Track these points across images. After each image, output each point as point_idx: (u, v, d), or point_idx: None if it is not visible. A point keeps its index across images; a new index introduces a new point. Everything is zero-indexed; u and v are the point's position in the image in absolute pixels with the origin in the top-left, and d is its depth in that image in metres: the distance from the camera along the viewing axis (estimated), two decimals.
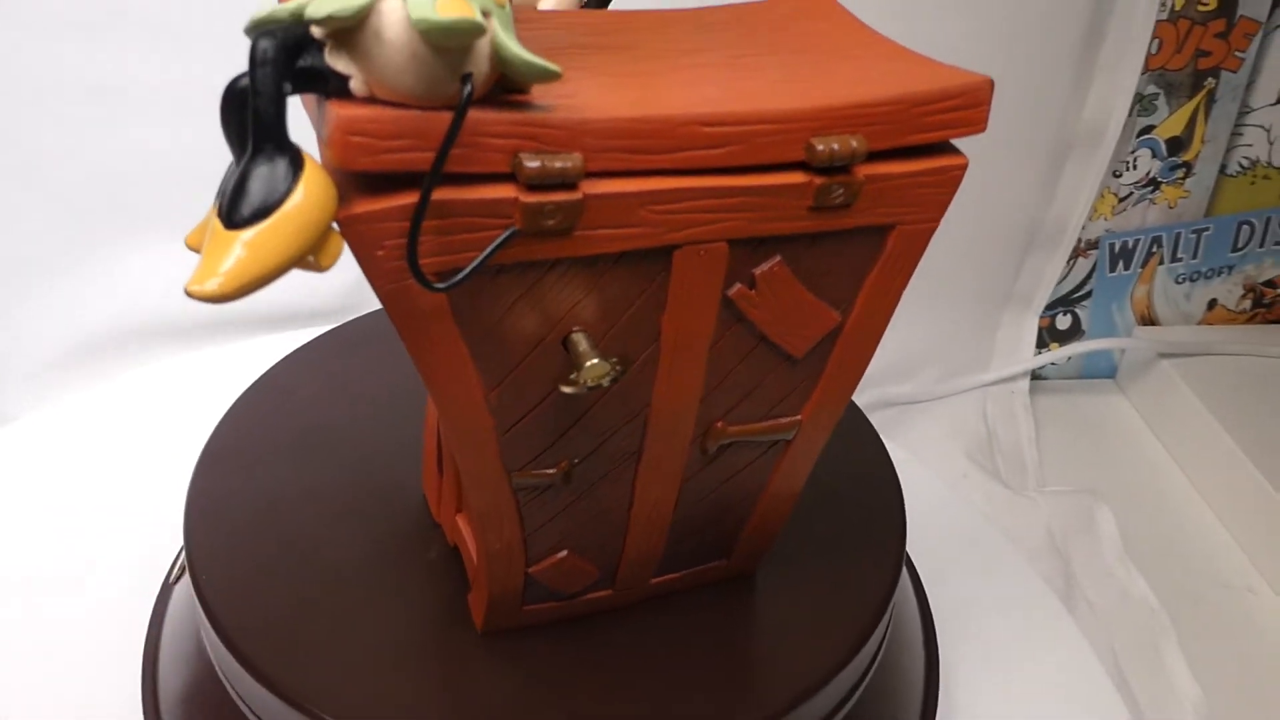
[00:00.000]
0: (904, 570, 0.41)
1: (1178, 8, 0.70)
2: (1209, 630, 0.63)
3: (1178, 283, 0.81)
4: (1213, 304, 0.83)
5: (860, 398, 0.74)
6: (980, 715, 0.45)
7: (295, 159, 0.21)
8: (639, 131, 0.24)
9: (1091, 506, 0.67)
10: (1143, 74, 0.71)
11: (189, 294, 0.20)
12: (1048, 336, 0.82)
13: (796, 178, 0.26)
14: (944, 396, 0.78)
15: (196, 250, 0.22)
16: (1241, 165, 0.77)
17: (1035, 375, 0.82)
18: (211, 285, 0.20)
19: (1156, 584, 0.64)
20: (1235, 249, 0.80)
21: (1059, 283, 0.79)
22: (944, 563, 0.52)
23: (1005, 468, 0.73)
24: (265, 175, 0.20)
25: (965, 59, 0.74)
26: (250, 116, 0.20)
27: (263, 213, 0.20)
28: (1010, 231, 0.77)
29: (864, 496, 0.43)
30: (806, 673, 0.35)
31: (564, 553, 0.33)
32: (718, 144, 0.25)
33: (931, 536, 0.53)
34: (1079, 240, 0.77)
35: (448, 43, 0.20)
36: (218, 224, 0.20)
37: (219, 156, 0.22)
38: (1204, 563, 0.69)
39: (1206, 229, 0.79)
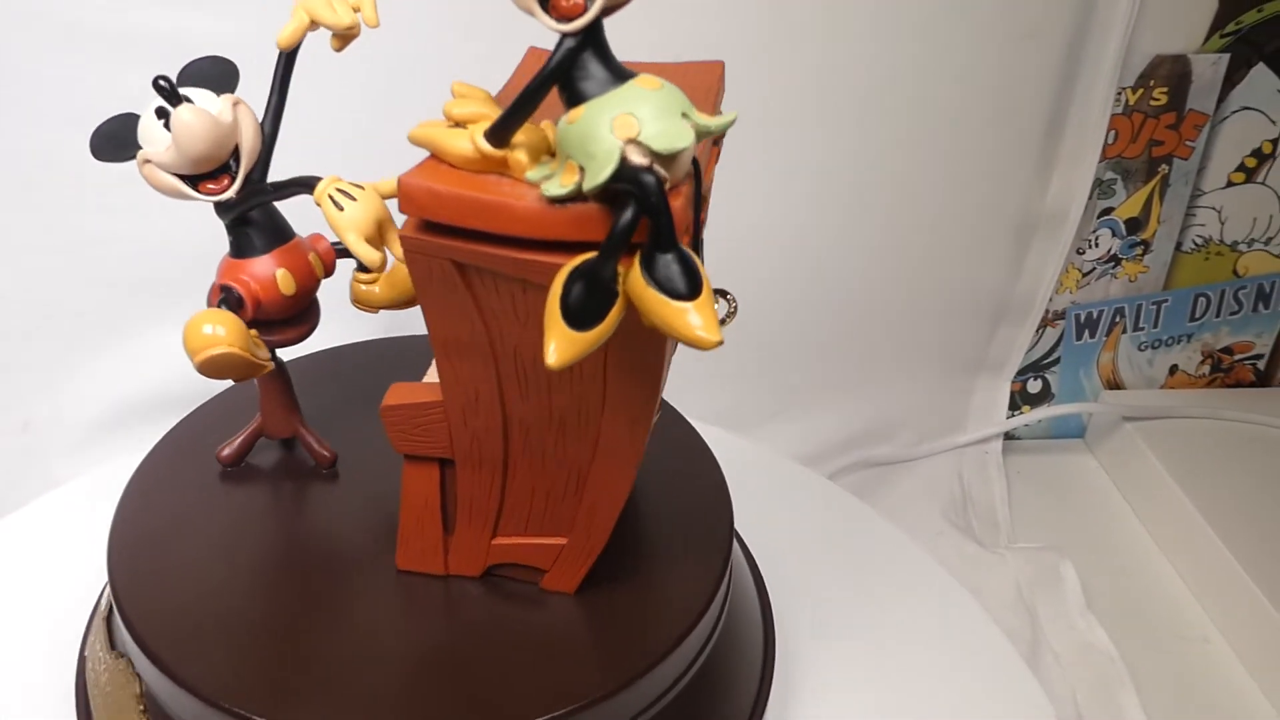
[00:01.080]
0: (733, 578, 0.44)
1: (1131, 102, 0.76)
2: (1167, 679, 0.68)
3: (1140, 350, 0.87)
4: (1174, 369, 0.88)
5: (841, 459, 0.80)
6: None
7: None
8: None
9: (1057, 563, 0.73)
10: (1101, 161, 0.77)
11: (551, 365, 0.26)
12: (1019, 400, 0.87)
13: None
14: (921, 458, 0.83)
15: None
16: (1196, 243, 0.83)
17: (1008, 436, 0.87)
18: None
19: (1117, 635, 0.69)
20: (1193, 318, 0.86)
21: (1029, 350, 0.85)
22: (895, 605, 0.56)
23: (978, 525, 0.79)
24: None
25: (941, 146, 0.81)
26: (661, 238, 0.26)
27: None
28: (982, 303, 0.83)
29: (693, 504, 0.46)
30: (634, 658, 0.38)
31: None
32: None
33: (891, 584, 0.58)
34: (1047, 311, 0.83)
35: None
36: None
37: None
38: (1163, 615, 0.74)
39: (1165, 300, 0.85)
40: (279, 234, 0.40)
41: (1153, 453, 0.81)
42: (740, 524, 0.51)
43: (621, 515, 0.39)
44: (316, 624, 0.38)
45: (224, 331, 0.36)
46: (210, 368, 0.36)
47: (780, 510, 0.62)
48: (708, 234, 0.35)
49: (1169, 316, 0.86)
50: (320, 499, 0.45)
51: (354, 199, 0.37)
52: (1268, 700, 0.67)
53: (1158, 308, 0.85)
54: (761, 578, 0.52)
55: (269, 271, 0.39)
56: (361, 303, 0.42)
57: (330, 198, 0.37)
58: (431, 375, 0.38)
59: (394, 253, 0.38)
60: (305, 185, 0.38)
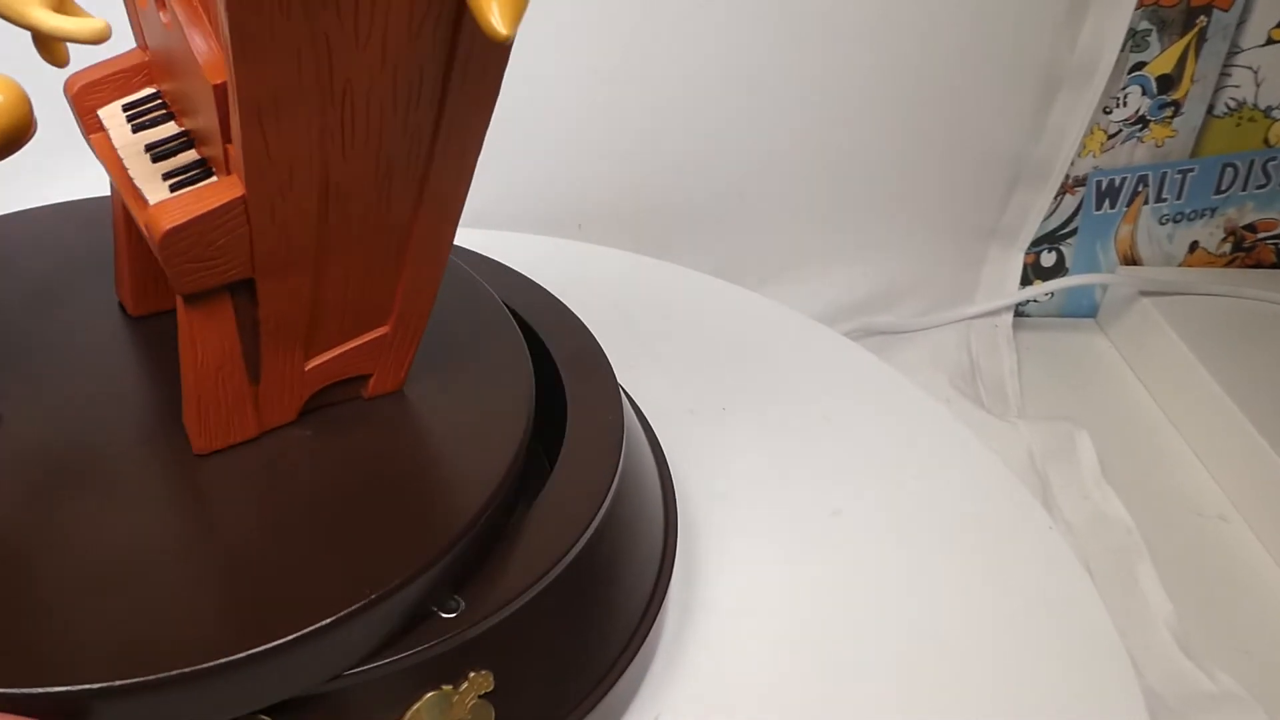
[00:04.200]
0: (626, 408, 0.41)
1: None
2: (1181, 555, 0.65)
3: (1161, 223, 0.82)
4: (1194, 246, 0.84)
5: (842, 325, 0.75)
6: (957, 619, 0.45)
7: None
8: None
9: (1071, 432, 0.69)
10: (1136, 9, 0.71)
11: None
12: (1032, 274, 0.82)
13: None
14: (928, 328, 0.79)
15: None
16: (1229, 106, 0.78)
17: (1017, 313, 0.82)
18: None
19: (1131, 509, 0.65)
20: (1218, 191, 0.81)
21: (1045, 219, 0.80)
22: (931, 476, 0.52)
23: (987, 398, 0.74)
24: None
25: None
26: None
27: None
28: (998, 166, 0.77)
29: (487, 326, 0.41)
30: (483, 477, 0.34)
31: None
32: None
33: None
34: (1067, 176, 0.78)
35: None
36: None
37: None
38: (1177, 492, 0.70)
39: (1191, 170, 0.80)
40: None
41: (1173, 329, 0.77)
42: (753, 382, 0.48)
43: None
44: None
45: None
46: None
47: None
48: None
49: (1194, 187, 0.81)
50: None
51: None
52: None
53: (1183, 177, 0.80)
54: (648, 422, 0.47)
55: None
56: None
57: None
58: (155, 190, 0.30)
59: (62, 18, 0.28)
60: None
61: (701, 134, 0.71)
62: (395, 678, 0.31)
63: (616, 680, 0.36)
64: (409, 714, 0.31)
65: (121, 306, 0.39)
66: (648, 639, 0.38)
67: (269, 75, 0.26)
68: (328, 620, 0.29)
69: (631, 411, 0.43)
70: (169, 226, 0.28)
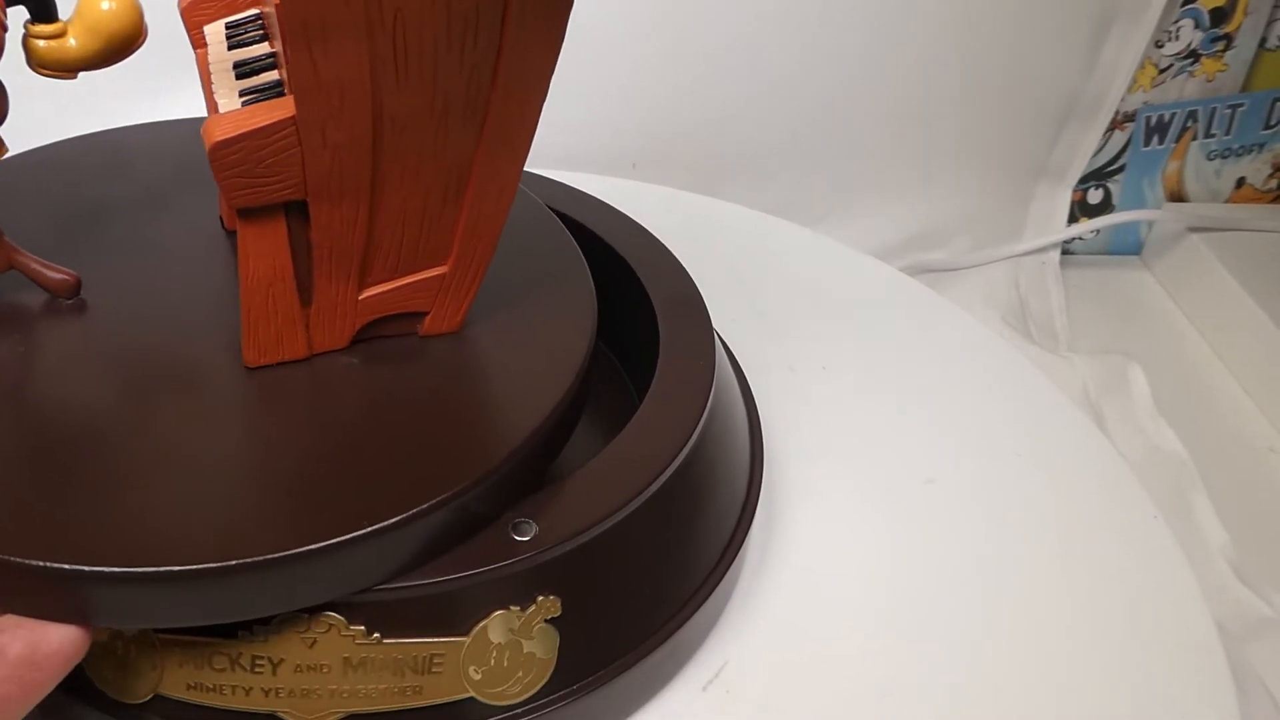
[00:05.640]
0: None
1: None
2: (1233, 485, 0.65)
3: (1209, 159, 0.82)
4: (1241, 183, 0.83)
5: (894, 261, 0.75)
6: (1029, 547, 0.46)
7: None
8: None
9: (1124, 366, 0.69)
10: None
11: None
12: (1078, 211, 0.82)
13: None
14: (976, 265, 0.79)
15: None
16: None
17: (1063, 250, 0.83)
18: None
19: (1182, 441, 0.66)
20: (1268, 125, 0.81)
21: (1093, 155, 0.79)
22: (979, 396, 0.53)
23: (1037, 334, 0.75)
24: None
25: None
26: None
27: None
28: (1050, 102, 0.77)
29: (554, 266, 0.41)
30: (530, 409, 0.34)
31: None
32: None
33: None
34: (1116, 112, 0.78)
35: None
36: None
37: None
38: (1227, 425, 0.71)
39: (1241, 104, 0.80)
40: None
41: (1222, 265, 0.77)
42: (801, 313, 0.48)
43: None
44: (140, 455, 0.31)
45: None
46: None
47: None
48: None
49: (1243, 122, 0.80)
50: (80, 335, 0.35)
51: None
52: None
53: (1232, 112, 0.80)
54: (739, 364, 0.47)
55: None
56: (49, 66, 0.30)
57: None
58: (229, 105, 0.31)
59: None
60: None
61: (755, 75, 0.71)
62: (465, 593, 0.32)
63: (684, 624, 0.37)
64: (475, 630, 0.32)
65: (221, 220, 0.40)
66: (719, 587, 0.38)
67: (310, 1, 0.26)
68: (375, 527, 0.30)
69: (725, 359, 0.43)
70: (219, 139, 0.28)
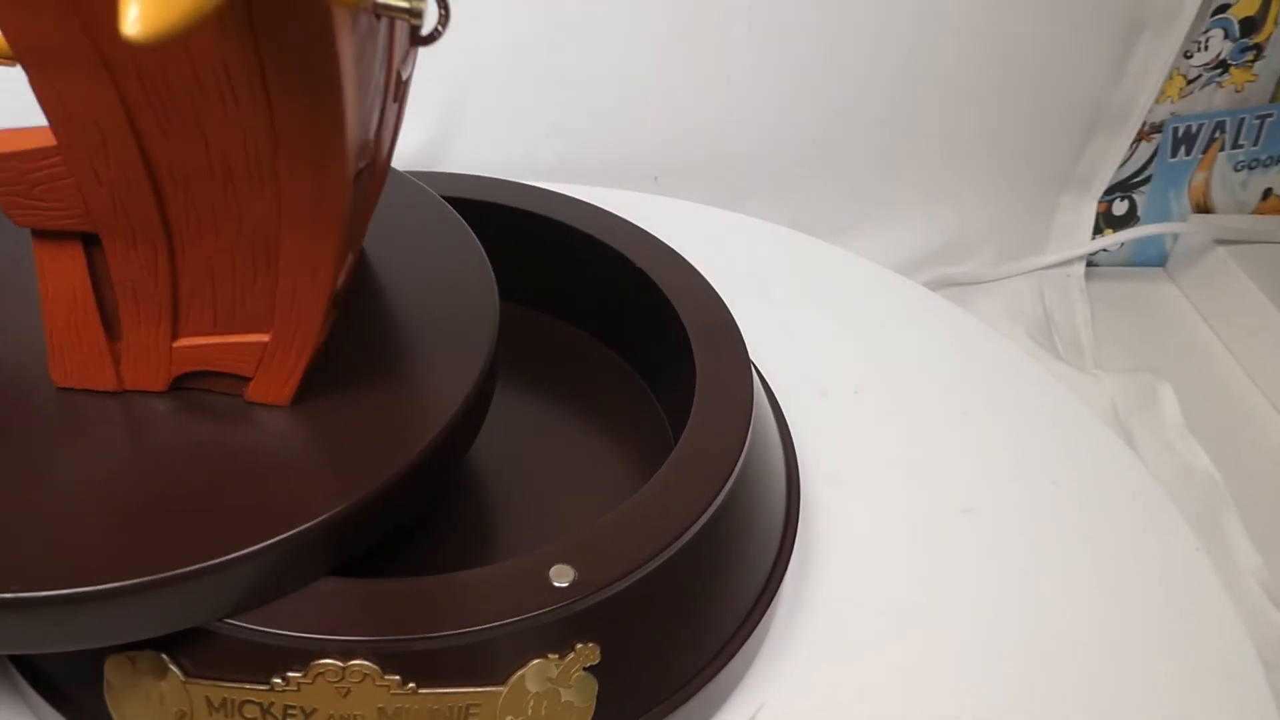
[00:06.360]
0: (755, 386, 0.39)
1: None
2: (1263, 506, 0.65)
3: (1235, 170, 0.81)
4: (1267, 194, 0.82)
5: (918, 274, 0.74)
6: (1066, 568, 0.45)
7: None
8: None
9: (1153, 383, 0.68)
10: None
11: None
12: (1103, 222, 0.81)
13: None
14: (1000, 279, 0.78)
15: None
16: None
17: (1088, 262, 0.82)
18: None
19: (1213, 459, 0.65)
20: None
21: (1119, 166, 0.78)
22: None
23: (1063, 349, 0.74)
24: None
25: None
26: None
27: None
28: (1076, 112, 0.76)
29: (454, 295, 0.39)
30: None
31: None
32: None
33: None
34: (1144, 123, 0.76)
35: None
36: None
37: None
38: (1256, 442, 0.70)
39: (1270, 115, 0.78)
40: None
41: (1249, 277, 0.76)
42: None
43: (353, 306, 0.33)
44: None
45: None
46: None
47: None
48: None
49: (1272, 132, 0.79)
50: None
51: None
52: None
53: (1261, 122, 0.79)
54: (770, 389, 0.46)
55: None
56: None
57: None
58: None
59: None
60: None
61: (776, 86, 0.70)
62: (501, 642, 0.32)
63: (724, 666, 0.36)
64: (512, 679, 0.32)
65: None
66: (758, 627, 0.37)
67: (26, 27, 0.25)
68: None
69: (760, 389, 0.42)
70: None
